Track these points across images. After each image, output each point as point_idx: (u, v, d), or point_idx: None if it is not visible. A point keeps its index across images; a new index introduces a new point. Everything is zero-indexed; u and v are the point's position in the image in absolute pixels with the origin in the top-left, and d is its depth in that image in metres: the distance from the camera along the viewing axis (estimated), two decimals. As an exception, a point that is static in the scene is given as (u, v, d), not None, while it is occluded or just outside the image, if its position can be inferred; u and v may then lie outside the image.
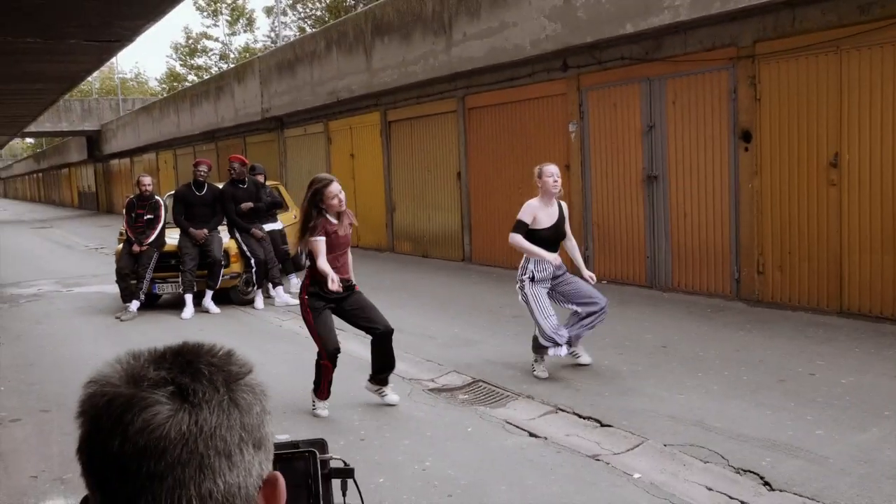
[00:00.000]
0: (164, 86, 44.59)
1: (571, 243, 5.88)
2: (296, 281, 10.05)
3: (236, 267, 9.51)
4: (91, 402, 0.73)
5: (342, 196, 5.08)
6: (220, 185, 9.71)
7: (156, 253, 9.36)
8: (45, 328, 8.92)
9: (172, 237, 9.49)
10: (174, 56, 44.50)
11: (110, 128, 33.24)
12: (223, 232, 9.52)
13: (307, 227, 5.02)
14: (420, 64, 11.90)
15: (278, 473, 0.79)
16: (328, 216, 5.06)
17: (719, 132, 8.09)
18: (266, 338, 7.81)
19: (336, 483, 1.16)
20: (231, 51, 41.00)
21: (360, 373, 5.76)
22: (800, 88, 7.27)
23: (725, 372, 5.68)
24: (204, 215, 9.37)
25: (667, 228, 8.79)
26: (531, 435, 4.70)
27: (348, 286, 5.12)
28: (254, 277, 9.44)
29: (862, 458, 4.04)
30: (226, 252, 9.42)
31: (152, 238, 9.41)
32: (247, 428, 0.75)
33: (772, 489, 3.77)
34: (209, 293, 9.29)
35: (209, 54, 42.51)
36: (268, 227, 9.73)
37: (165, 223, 9.61)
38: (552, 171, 5.65)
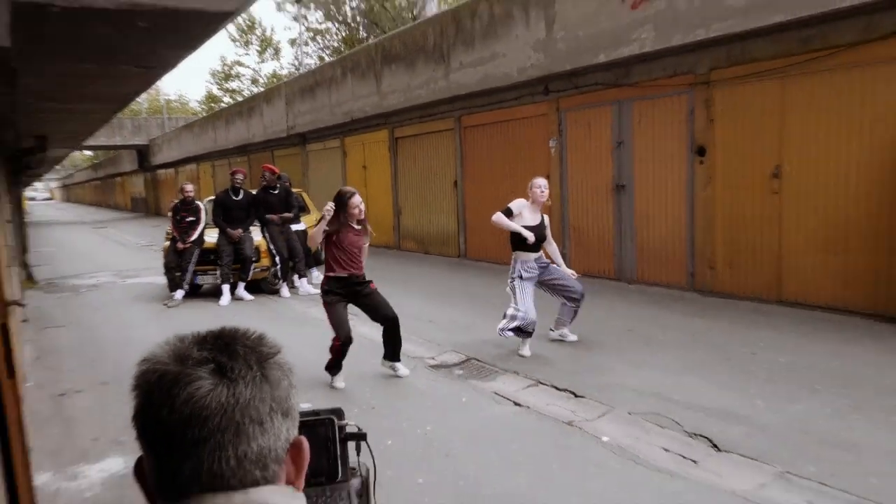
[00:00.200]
0: (203, 106, 44.38)
1: (552, 247, 5.97)
2: (317, 273, 10.06)
3: (265, 262, 9.53)
4: (144, 378, 0.74)
5: (362, 206, 5.22)
6: (254, 192, 9.70)
7: (197, 249, 9.38)
8: (103, 314, 8.90)
9: (211, 236, 9.49)
10: (212, 80, 44.39)
11: (157, 142, 33.12)
12: (255, 231, 9.54)
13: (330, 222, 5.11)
14: (423, 88, 11.89)
15: (303, 438, 0.80)
16: (351, 224, 5.17)
17: (678, 148, 8.09)
18: (291, 323, 7.81)
19: (351, 445, 1.19)
20: (260, 76, 40.78)
21: (371, 353, 5.79)
22: (748, 110, 7.28)
23: (681, 352, 5.71)
24: (239, 217, 9.36)
25: (632, 230, 8.80)
26: (516, 404, 4.72)
27: (361, 281, 5.20)
28: (279, 272, 9.47)
29: (797, 426, 4.06)
30: (256, 249, 9.44)
31: (194, 237, 9.43)
32: (276, 399, 0.76)
33: (720, 451, 3.80)
34: (242, 284, 9.31)
35: (241, 79, 42.34)
36: (294, 227, 9.72)
37: (206, 224, 9.63)
38: (541, 183, 5.78)
